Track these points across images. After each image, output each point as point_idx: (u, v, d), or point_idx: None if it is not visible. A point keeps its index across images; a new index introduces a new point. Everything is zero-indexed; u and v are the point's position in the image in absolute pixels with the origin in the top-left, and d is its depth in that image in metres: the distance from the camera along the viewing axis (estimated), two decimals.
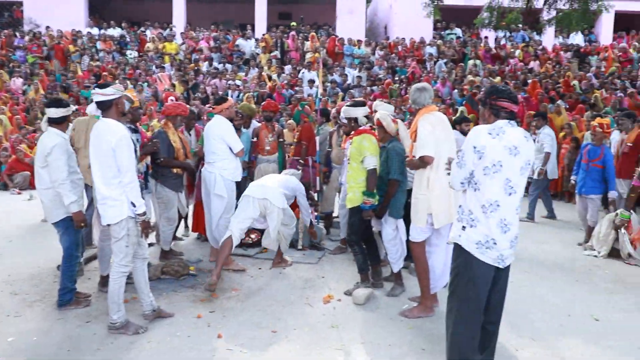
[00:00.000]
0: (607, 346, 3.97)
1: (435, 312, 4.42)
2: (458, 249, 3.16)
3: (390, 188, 4.74)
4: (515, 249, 3.18)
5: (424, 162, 4.20)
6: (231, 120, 5.86)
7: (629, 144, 7.37)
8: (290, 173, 6.19)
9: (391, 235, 4.88)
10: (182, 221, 6.91)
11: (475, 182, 3.07)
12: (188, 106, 6.78)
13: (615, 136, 8.31)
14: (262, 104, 7.83)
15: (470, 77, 15.22)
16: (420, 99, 4.39)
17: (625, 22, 21.74)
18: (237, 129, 6.36)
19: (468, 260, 3.10)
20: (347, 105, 5.34)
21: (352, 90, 14.72)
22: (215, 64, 17.32)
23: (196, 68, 16.65)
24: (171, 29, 19.52)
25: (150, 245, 6.48)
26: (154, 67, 16.82)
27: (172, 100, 7.62)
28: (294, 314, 4.49)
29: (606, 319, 4.47)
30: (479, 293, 3.11)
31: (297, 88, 15.10)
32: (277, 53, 18.17)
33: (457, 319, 3.15)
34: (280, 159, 7.36)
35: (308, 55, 17.49)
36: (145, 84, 15.51)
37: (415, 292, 4.74)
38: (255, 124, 7.44)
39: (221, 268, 5.03)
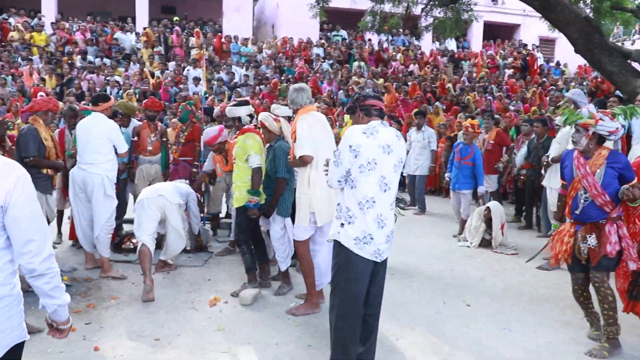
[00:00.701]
0: (477, 329, 4.30)
1: (322, 308, 4.50)
2: (338, 246, 3.24)
3: (278, 187, 4.77)
4: (391, 243, 3.32)
5: (303, 162, 4.26)
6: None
7: (490, 142, 8.06)
8: (179, 182, 6.05)
9: (279, 233, 4.90)
10: (56, 227, 6.41)
11: (352, 180, 3.17)
12: (70, 103, 6.33)
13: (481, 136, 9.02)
14: (144, 101, 7.48)
15: (355, 78, 15.75)
16: (298, 99, 4.46)
17: (492, 32, 23.74)
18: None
19: (347, 256, 3.19)
20: (230, 105, 5.29)
21: (239, 89, 14.57)
22: (90, 57, 16.23)
23: (70, 62, 15.48)
24: (40, 18, 17.98)
25: None
26: (19, 59, 15.41)
27: (42, 95, 7.05)
28: (178, 319, 4.34)
29: (476, 303, 4.84)
30: (359, 287, 3.21)
31: (181, 86, 14.65)
32: (160, 49, 17.46)
33: (339, 314, 3.23)
34: (163, 160, 7.07)
35: (193, 52, 17.02)
36: (10, 77, 14.15)
37: (303, 289, 4.79)
38: (135, 122, 7.10)
39: (150, 272, 4.84)
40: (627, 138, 7.11)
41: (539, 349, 3.96)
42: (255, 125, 5.17)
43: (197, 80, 14.55)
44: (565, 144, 5.84)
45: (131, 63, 16.18)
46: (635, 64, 8.79)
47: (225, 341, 3.94)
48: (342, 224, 3.21)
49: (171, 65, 16.45)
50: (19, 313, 2.03)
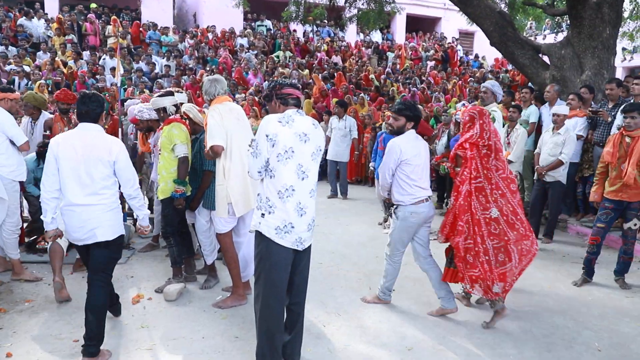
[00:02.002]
0: (401, 312, 4.45)
1: (248, 299, 4.50)
2: (259, 236, 3.24)
3: (205, 179, 4.71)
4: (312, 231, 3.36)
5: (214, 152, 4.21)
6: (13, 114, 5.16)
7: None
8: None
9: (205, 226, 4.83)
10: None
11: (271, 170, 3.18)
12: None
13: None
14: (56, 93, 7.08)
15: (280, 69, 15.70)
16: (212, 90, 4.42)
17: (415, 24, 24.44)
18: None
19: (269, 246, 3.20)
20: (156, 96, 5.14)
21: (160, 80, 14.11)
22: None
23: None
24: None
25: None
26: None
27: None
28: None
29: (401, 287, 5.00)
30: (281, 276, 3.24)
31: (98, 77, 13.98)
32: (73, 37, 16.52)
33: (263, 303, 3.24)
34: None
35: (110, 41, 16.25)
36: None
37: (229, 282, 4.76)
38: (46, 115, 6.72)
39: (60, 270, 4.55)
40: (539, 127, 7.61)
41: (457, 327, 4.16)
42: (181, 116, 5.06)
43: (114, 70, 13.93)
44: None
45: (41, 52, 15.22)
46: (545, 57, 9.32)
47: (149, 338, 3.85)
48: (263, 214, 3.21)
49: (85, 54, 15.63)
50: (120, 217, 3.68)
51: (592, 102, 7.39)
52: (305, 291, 3.48)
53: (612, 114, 6.75)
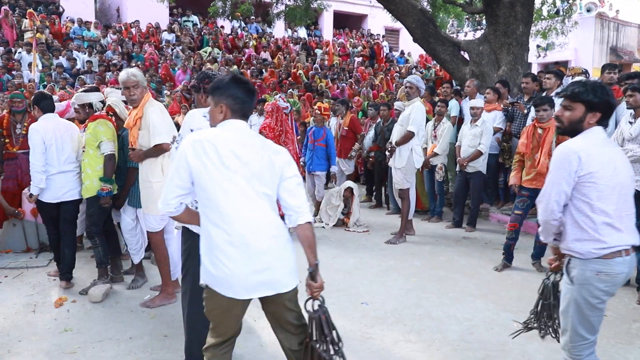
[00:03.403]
0: (331, 303, 4.47)
1: (177, 297, 4.42)
2: (187, 232, 3.21)
3: (130, 176, 4.61)
4: None
5: (161, 150, 4.12)
6: None
7: (345, 128, 8.46)
8: None
9: (130, 225, 4.73)
10: None
11: None
12: None
13: (333, 121, 9.40)
14: None
15: (208, 65, 15.45)
16: (144, 83, 4.30)
17: (342, 21, 24.75)
18: None
19: (196, 241, 3.16)
20: (80, 91, 4.94)
21: (82, 76, 13.52)
22: None
23: None
24: None
25: None
26: None
27: None
28: (19, 324, 4.00)
29: (330, 280, 5.08)
30: None
31: (15, 72, 13.21)
32: None
33: (191, 299, 3.22)
34: None
35: (27, 35, 15.39)
36: None
37: (157, 281, 4.68)
38: None
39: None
40: (460, 120, 7.94)
41: (385, 315, 4.30)
42: (107, 112, 4.89)
43: (31, 66, 13.22)
44: (406, 126, 6.33)
45: None
46: (465, 54, 9.75)
47: (73, 342, 3.71)
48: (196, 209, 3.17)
49: (1, 49, 14.72)
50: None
51: (509, 96, 7.81)
52: None
53: (528, 106, 7.17)
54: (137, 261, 4.86)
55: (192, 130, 3.11)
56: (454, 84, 9.40)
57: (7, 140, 6.37)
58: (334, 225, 7.29)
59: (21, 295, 4.58)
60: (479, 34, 13.10)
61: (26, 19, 16.00)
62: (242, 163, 2.37)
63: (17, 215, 5.68)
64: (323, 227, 7.28)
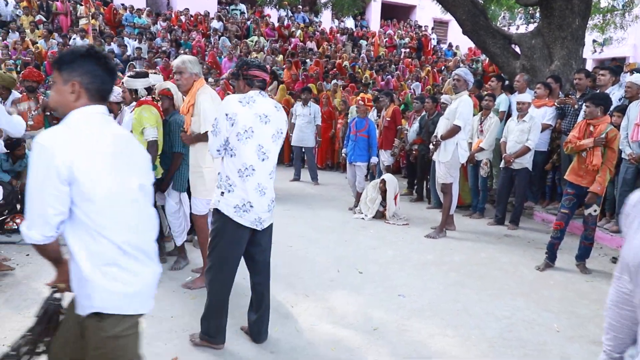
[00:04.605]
0: (368, 294, 4.54)
1: None
2: (217, 213, 3.29)
3: (175, 161, 4.70)
4: (272, 212, 3.42)
5: None
6: None
7: (387, 119, 8.40)
8: None
9: (174, 208, 4.84)
10: None
11: (231, 149, 3.22)
12: None
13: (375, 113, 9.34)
14: (23, 72, 6.94)
15: (254, 54, 15.59)
16: (195, 70, 4.35)
17: (390, 12, 24.47)
18: None
19: (226, 223, 3.26)
20: (128, 76, 5.07)
21: (132, 62, 13.88)
22: None
23: None
24: None
25: None
26: None
27: None
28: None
29: (368, 271, 5.10)
30: (234, 254, 3.32)
31: None
32: (41, 17, 16.09)
33: (213, 277, 3.34)
34: None
35: (82, 22, 15.86)
36: None
37: (199, 263, 4.79)
38: (15, 94, 6.59)
39: None
40: (508, 116, 7.75)
41: (422, 308, 4.27)
42: (153, 98, 5.01)
43: None
44: (452, 120, 6.23)
45: (10, 31, 14.80)
46: (516, 47, 9.48)
47: None
48: (222, 193, 3.25)
49: (56, 34, 15.26)
50: None
51: (560, 92, 7.56)
52: (268, 270, 3.55)
53: (580, 103, 6.93)
54: (179, 243, 4.98)
55: (227, 115, 3.17)
56: (503, 78, 9.15)
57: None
58: (373, 217, 7.26)
59: None
60: (531, 27, 12.73)
61: (81, 5, 16.50)
62: None
63: None
64: (362, 218, 7.26)
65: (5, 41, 14.09)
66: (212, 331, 3.39)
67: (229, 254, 3.29)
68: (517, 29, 19.71)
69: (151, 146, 4.65)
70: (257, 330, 3.54)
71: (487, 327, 3.96)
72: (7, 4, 16.22)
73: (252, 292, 3.50)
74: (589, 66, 17.38)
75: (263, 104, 3.27)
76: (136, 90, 4.91)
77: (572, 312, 4.33)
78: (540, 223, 7.32)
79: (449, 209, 6.54)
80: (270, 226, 3.46)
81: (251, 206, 3.23)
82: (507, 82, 8.51)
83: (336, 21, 21.81)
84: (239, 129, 3.16)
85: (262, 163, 3.25)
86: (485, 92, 8.13)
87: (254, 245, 3.39)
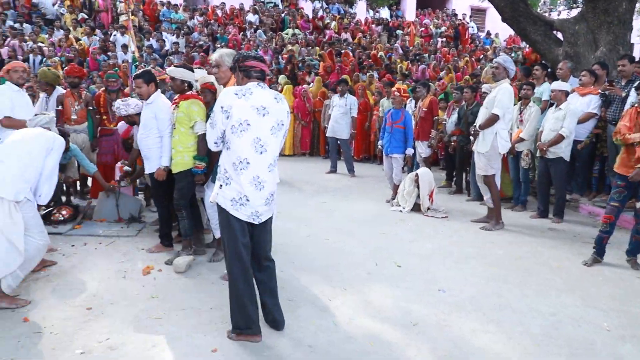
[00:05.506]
0: (406, 287, 4.47)
1: None
2: (219, 207, 3.33)
3: (215, 153, 4.72)
4: (271, 205, 3.41)
5: None
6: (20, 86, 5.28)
7: (424, 110, 8.26)
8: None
9: None
10: None
11: (227, 142, 3.24)
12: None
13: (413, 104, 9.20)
14: (65, 69, 7.13)
15: (289, 47, 15.58)
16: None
17: (426, 1, 24.07)
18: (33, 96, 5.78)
19: (227, 216, 3.29)
20: (174, 66, 5.13)
21: (170, 57, 14.09)
22: (9, 22, 15.12)
23: None
24: None
25: None
26: None
27: None
28: (111, 289, 4.26)
29: (406, 264, 5.02)
30: (238, 246, 3.31)
31: (110, 53, 13.98)
32: (83, 15, 16.49)
33: (228, 270, 3.42)
34: (91, 129, 6.82)
35: (122, 18, 16.16)
36: None
37: None
38: (59, 90, 6.79)
39: None
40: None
41: (463, 302, 4.18)
42: (197, 92, 5.07)
43: (125, 47, 13.95)
44: (491, 109, 6.07)
45: (54, 29, 15.24)
46: (558, 34, 9.17)
47: (159, 308, 3.91)
48: (221, 186, 3.29)
49: (98, 31, 15.62)
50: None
51: (606, 80, 7.27)
52: (269, 262, 3.55)
53: (626, 90, 6.65)
54: (218, 235, 5.01)
55: (222, 108, 3.17)
56: (547, 66, 8.86)
57: (104, 117, 6.78)
58: (411, 210, 7.16)
59: (113, 262, 4.88)
60: (574, 12, 12.30)
61: (121, 2, 16.79)
62: None
63: (112, 190, 6.04)
64: (400, 211, 7.17)
65: (50, 38, 14.51)
66: (240, 324, 3.40)
67: (234, 246, 3.31)
68: (558, 15, 19.09)
69: (202, 139, 4.72)
70: (271, 318, 3.59)
71: (532, 324, 3.84)
72: (53, 4, 16.70)
73: (256, 282, 3.50)
74: (638, 52, 16.66)
75: (261, 95, 3.25)
76: (190, 84, 4.97)
77: (623, 310, 4.15)
78: (587, 216, 7.08)
79: (498, 200, 6.39)
80: (270, 220, 3.47)
81: (247, 200, 3.23)
82: (549, 70, 8.23)
83: (371, 12, 21.59)
84: (234, 121, 3.16)
85: (259, 156, 3.23)
86: (523, 81, 7.88)
87: (251, 239, 3.40)
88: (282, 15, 18.87)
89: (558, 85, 6.55)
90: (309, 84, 12.61)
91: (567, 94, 6.56)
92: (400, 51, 16.68)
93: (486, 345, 3.52)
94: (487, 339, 3.60)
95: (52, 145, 4.08)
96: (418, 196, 7.20)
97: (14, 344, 3.37)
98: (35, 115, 4.16)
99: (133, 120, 5.45)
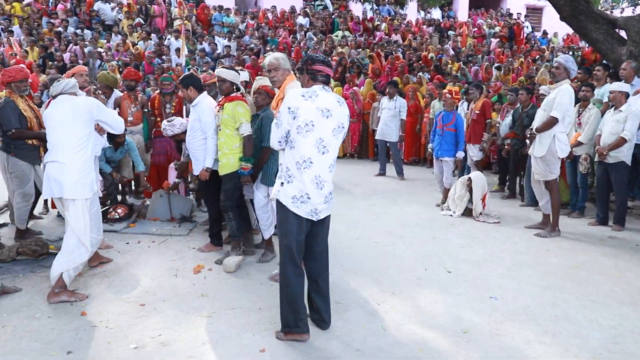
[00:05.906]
0: (456, 294, 4.37)
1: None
2: (279, 204, 3.43)
3: (264, 155, 4.79)
4: (330, 204, 3.48)
5: None
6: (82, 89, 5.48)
7: (476, 112, 8.06)
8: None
9: (262, 202, 4.91)
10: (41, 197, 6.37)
11: (291, 141, 3.34)
12: (51, 75, 6.26)
13: (465, 106, 8.99)
14: (123, 72, 7.38)
15: (339, 49, 15.58)
16: (287, 65, 4.39)
17: (478, 0, 23.55)
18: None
19: (286, 214, 3.39)
20: (222, 67, 5.21)
21: (222, 60, 14.34)
22: (71, 29, 15.84)
23: (57, 30, 15.03)
24: None
25: (3, 225, 5.94)
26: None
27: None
28: (163, 286, 4.37)
29: (457, 270, 4.91)
30: (295, 243, 3.40)
31: (164, 57, 14.38)
32: (140, 20, 17.06)
33: (281, 268, 3.46)
34: (146, 131, 7.04)
35: (176, 23, 16.68)
36: None
37: None
38: (117, 93, 7.03)
39: None
40: None
41: (516, 311, 4.04)
42: (241, 94, 5.14)
43: (178, 51, 14.32)
44: (549, 111, 5.84)
45: (112, 34, 15.83)
46: (622, 32, 8.75)
47: (209, 306, 3.98)
48: (282, 183, 3.39)
49: (153, 36, 16.12)
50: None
51: None
52: (326, 261, 3.62)
53: None
54: (267, 236, 5.06)
55: (289, 109, 3.27)
56: (608, 66, 8.48)
57: (158, 119, 6.97)
58: (462, 215, 7.00)
59: (165, 260, 5.00)
60: (639, 9, 11.73)
61: (176, 7, 17.32)
62: None
63: (149, 191, 6.27)
64: (450, 215, 7.02)
65: (109, 43, 15.09)
66: (290, 322, 3.44)
67: (290, 243, 3.40)
68: (621, 12, 18.25)
69: (248, 140, 4.80)
70: (318, 317, 3.62)
71: (590, 337, 3.67)
72: (112, 10, 17.38)
73: (311, 282, 3.58)
74: None
75: (326, 98, 3.36)
76: (237, 87, 5.05)
77: None
78: None
79: (558, 206, 6.15)
80: (328, 217, 3.56)
81: (308, 197, 3.35)
82: (612, 71, 7.87)
83: (422, 12, 21.33)
84: (300, 122, 3.28)
85: (321, 156, 3.35)
86: (583, 82, 7.56)
87: (311, 236, 3.50)
88: (332, 17, 18.89)
89: (617, 86, 6.27)
90: (357, 86, 12.55)
91: (627, 95, 6.27)
92: (452, 52, 16.37)
93: (541, 357, 3.39)
94: (543, 351, 3.46)
95: (90, 109, 4.18)
96: (469, 200, 7.03)
97: (72, 336, 3.51)
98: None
99: (180, 138, 5.59)
